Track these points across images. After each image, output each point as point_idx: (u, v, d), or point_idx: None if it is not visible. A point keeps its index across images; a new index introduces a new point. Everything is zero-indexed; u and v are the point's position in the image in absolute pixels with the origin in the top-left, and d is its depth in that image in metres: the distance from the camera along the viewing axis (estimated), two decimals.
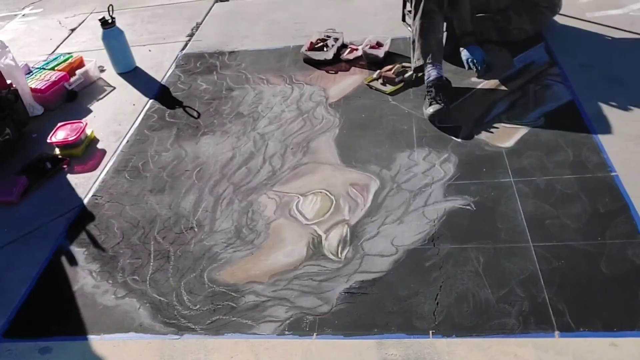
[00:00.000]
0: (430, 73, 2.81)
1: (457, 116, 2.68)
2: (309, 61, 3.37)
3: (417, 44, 2.87)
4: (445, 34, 2.97)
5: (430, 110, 2.70)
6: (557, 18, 3.32)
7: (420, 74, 2.95)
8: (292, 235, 2.20)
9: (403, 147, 2.56)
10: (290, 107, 3.00)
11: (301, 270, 2.05)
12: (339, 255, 2.08)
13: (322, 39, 3.45)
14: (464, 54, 2.97)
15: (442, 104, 2.69)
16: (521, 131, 2.52)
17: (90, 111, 3.33)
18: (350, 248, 2.10)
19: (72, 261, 2.28)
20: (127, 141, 2.98)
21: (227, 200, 2.45)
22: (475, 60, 2.92)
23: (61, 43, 4.30)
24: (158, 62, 3.72)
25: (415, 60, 2.89)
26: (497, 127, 2.57)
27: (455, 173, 2.35)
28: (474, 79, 2.94)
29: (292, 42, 3.64)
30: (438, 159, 2.45)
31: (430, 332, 1.76)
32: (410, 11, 3.31)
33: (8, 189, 2.67)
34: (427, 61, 2.83)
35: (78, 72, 3.53)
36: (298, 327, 1.85)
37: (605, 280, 1.82)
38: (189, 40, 3.97)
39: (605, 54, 2.95)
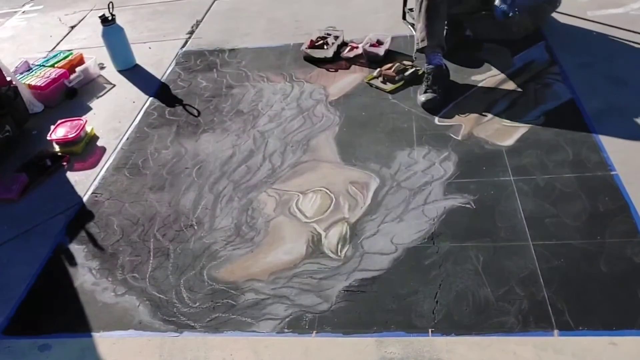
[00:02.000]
0: (431, 59, 2.82)
1: (457, 114, 2.69)
2: (309, 59, 3.37)
3: (421, 25, 2.83)
4: (446, 29, 2.96)
5: (423, 98, 2.76)
6: (558, 17, 3.32)
7: (417, 70, 2.95)
8: (292, 233, 2.20)
9: (403, 146, 2.55)
10: (290, 105, 3.00)
11: (301, 268, 2.05)
12: (339, 253, 2.08)
13: (323, 36, 3.44)
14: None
15: (436, 94, 2.73)
16: (521, 130, 2.52)
17: (90, 108, 3.33)
18: (350, 246, 2.10)
19: (72, 259, 2.28)
20: (127, 139, 2.98)
21: (226, 198, 2.45)
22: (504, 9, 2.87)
23: (61, 40, 4.30)
24: (158, 60, 3.72)
25: (419, 42, 2.86)
26: (497, 126, 2.57)
27: (455, 171, 2.35)
28: (475, 77, 2.94)
29: (293, 40, 3.63)
30: (438, 157, 2.45)
31: (430, 330, 1.76)
32: (411, 9, 3.32)
33: (8, 186, 2.67)
34: (430, 44, 2.81)
35: (78, 69, 3.52)
36: (297, 325, 1.85)
37: (604, 279, 1.82)
38: (189, 37, 3.96)
39: (606, 52, 2.95)
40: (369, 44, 3.28)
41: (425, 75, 2.83)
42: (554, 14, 3.28)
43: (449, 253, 1.99)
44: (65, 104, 3.40)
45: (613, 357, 1.60)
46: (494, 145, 2.46)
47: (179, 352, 1.84)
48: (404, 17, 3.60)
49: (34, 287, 2.18)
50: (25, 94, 3.24)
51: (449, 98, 2.79)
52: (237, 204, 2.40)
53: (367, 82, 3.06)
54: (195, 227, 2.32)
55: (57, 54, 3.70)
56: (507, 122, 2.59)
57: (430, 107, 2.73)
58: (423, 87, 2.81)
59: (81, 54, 3.69)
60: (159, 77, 3.52)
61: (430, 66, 2.81)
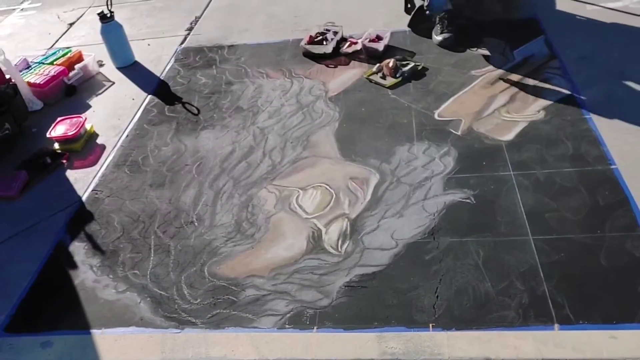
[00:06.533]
0: (442, 5, 3.14)
1: (457, 109, 2.69)
2: (309, 55, 3.36)
3: None
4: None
5: (440, 38, 3.15)
6: (557, 10, 3.31)
7: (416, 65, 2.96)
8: (292, 229, 2.21)
9: (403, 141, 2.55)
10: (289, 101, 3.00)
11: (301, 264, 2.05)
12: (339, 249, 2.09)
13: (322, 32, 3.43)
14: None
15: (451, 33, 3.11)
16: (521, 124, 2.52)
17: (89, 106, 3.32)
18: (350, 242, 2.10)
19: (73, 256, 2.28)
20: (127, 136, 2.98)
21: (227, 194, 2.45)
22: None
23: (60, 37, 4.29)
24: (157, 57, 3.71)
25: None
26: (497, 120, 2.57)
27: (455, 166, 2.35)
28: (474, 72, 2.93)
29: (292, 35, 3.63)
30: (438, 152, 2.45)
31: (430, 325, 1.76)
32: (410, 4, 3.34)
33: (8, 183, 2.67)
34: None
35: (77, 66, 3.52)
36: (298, 320, 1.85)
37: (604, 273, 1.82)
38: (188, 34, 3.95)
39: (606, 46, 2.94)
40: (368, 40, 3.27)
41: (439, 19, 3.15)
42: (553, 11, 3.27)
43: (449, 248, 2.00)
44: (65, 101, 3.40)
45: (613, 351, 1.60)
46: (494, 140, 2.46)
47: (180, 348, 1.84)
48: (405, 10, 3.56)
49: (35, 285, 2.18)
50: (25, 92, 3.24)
51: (463, 36, 3.14)
52: (238, 201, 2.40)
53: (367, 78, 3.05)
54: (196, 224, 2.33)
55: (55, 52, 3.70)
56: (506, 117, 2.59)
57: (447, 45, 3.10)
58: (438, 29, 3.16)
59: (80, 52, 3.68)
60: (158, 74, 3.51)
61: (442, 11, 3.09)
